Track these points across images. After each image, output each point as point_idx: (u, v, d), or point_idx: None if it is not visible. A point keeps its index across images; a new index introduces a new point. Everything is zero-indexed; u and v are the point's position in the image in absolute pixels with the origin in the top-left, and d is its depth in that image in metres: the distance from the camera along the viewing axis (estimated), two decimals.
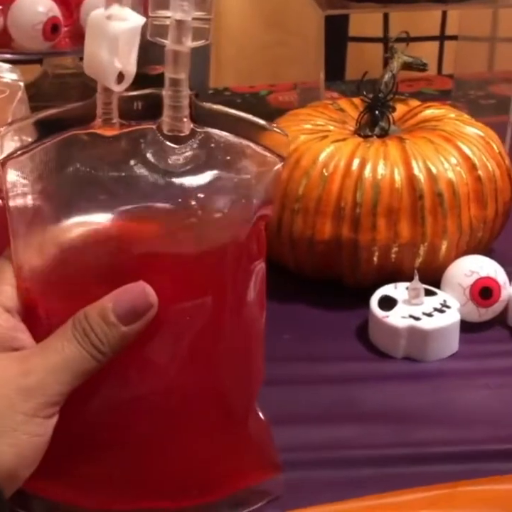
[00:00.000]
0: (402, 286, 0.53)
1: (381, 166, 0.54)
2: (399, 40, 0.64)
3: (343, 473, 0.43)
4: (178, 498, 0.39)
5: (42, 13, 0.63)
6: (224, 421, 0.39)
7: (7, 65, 0.52)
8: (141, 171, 0.35)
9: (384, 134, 0.58)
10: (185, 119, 0.36)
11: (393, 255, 0.54)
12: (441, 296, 0.53)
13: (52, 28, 0.63)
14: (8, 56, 0.66)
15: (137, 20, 0.35)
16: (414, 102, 0.63)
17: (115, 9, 0.34)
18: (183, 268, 0.36)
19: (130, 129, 0.36)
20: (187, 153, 0.36)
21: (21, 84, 0.51)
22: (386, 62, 0.62)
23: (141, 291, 0.34)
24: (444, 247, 0.54)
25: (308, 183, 0.55)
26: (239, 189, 0.36)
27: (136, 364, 0.36)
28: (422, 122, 0.59)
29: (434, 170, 0.53)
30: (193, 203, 0.35)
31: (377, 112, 0.58)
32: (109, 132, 0.36)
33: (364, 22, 1.19)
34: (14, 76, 0.52)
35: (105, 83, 0.35)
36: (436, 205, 0.53)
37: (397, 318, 0.51)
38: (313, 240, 0.55)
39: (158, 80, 0.81)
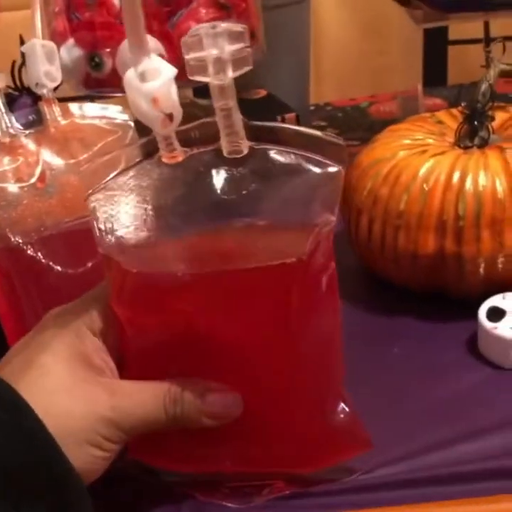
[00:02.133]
0: (510, 296, 0.53)
1: (482, 177, 0.54)
2: (496, 42, 0.64)
3: (461, 488, 0.43)
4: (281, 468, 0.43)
5: None
6: (318, 407, 0.42)
7: (118, 107, 0.56)
8: (207, 193, 0.38)
9: (484, 144, 0.58)
10: (241, 141, 0.37)
11: (500, 266, 0.54)
12: None
13: None
14: (118, 95, 0.70)
15: (169, 72, 0.36)
16: None
17: (146, 64, 0.35)
18: (260, 281, 0.38)
19: (191, 153, 0.38)
20: (247, 172, 0.37)
21: (132, 124, 0.55)
22: (488, 64, 0.62)
23: (237, 401, 0.39)
24: None
25: (409, 198, 0.55)
26: (301, 200, 0.38)
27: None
28: None
29: None
30: (260, 219, 0.37)
31: (475, 123, 0.58)
32: (173, 160, 0.38)
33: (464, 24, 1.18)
34: (125, 117, 0.56)
35: (152, 128, 0.37)
36: None
37: (506, 329, 0.51)
38: (417, 255, 0.55)
39: (259, 103, 0.83)
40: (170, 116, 0.37)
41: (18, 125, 0.52)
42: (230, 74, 0.35)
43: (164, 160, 0.38)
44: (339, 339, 0.43)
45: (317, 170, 0.38)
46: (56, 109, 0.53)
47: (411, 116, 0.67)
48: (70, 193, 0.50)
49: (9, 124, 0.52)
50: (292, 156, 0.38)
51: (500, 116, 0.61)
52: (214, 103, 0.37)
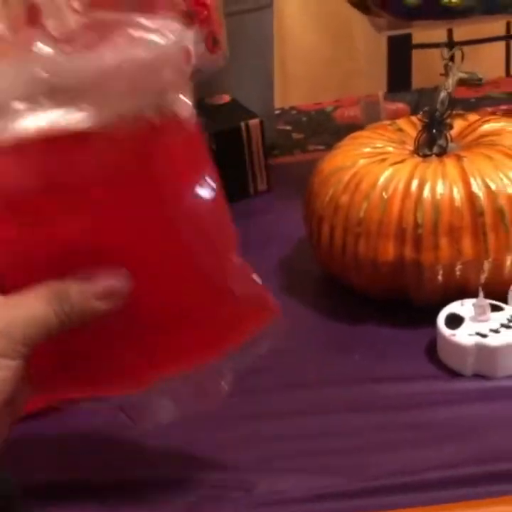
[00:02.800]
0: (468, 303, 0.54)
1: (440, 185, 0.55)
2: (454, 50, 0.64)
3: (420, 496, 0.44)
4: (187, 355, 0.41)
5: None
6: (204, 277, 0.41)
7: None
8: None
9: (443, 152, 0.59)
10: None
11: (458, 273, 0.55)
12: (508, 311, 0.53)
13: None
14: None
15: None
16: (473, 117, 0.63)
17: None
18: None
19: None
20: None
21: None
22: (447, 72, 0.63)
23: (123, 275, 0.37)
24: (508, 262, 0.55)
25: (369, 206, 0.56)
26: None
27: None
28: (481, 137, 0.60)
29: (493, 186, 0.54)
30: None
31: (434, 131, 0.59)
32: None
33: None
34: None
35: None
36: (498, 221, 0.54)
37: (464, 336, 0.52)
38: (377, 262, 0.56)
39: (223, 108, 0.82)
40: None
41: None
42: None
43: None
44: (224, 208, 0.43)
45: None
46: None
47: (373, 121, 0.68)
48: None
49: None
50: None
51: (458, 125, 0.62)
52: None
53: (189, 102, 0.41)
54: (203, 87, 0.90)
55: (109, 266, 0.37)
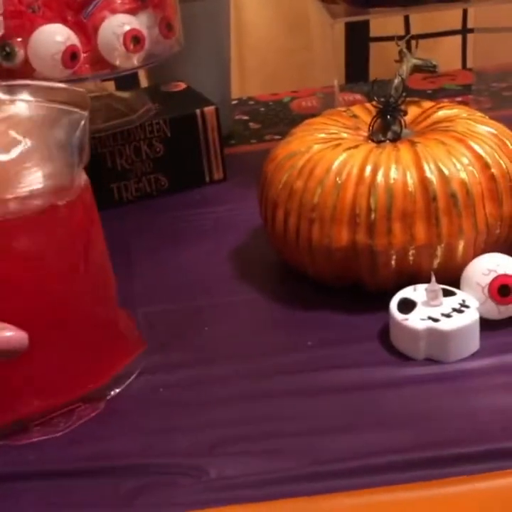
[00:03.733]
0: (421, 288, 0.54)
1: (393, 170, 0.55)
2: (407, 38, 0.64)
3: (368, 480, 0.43)
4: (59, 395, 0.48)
5: (60, 43, 0.65)
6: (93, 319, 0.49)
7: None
8: None
9: (397, 138, 0.59)
10: None
11: (411, 258, 0.55)
12: (460, 296, 0.53)
13: (71, 55, 0.65)
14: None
15: None
16: (427, 104, 0.63)
17: None
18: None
19: None
20: None
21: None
22: (401, 58, 0.63)
23: (22, 337, 0.42)
24: (461, 247, 0.55)
25: (323, 191, 0.56)
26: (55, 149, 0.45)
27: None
28: (435, 123, 0.60)
29: (446, 171, 0.54)
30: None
31: (388, 117, 0.59)
32: None
33: (385, 21, 1.19)
34: None
35: None
36: (451, 206, 0.54)
37: (416, 320, 0.52)
38: (331, 248, 0.56)
39: (178, 95, 0.82)
40: None
41: None
42: None
43: None
44: (108, 263, 0.52)
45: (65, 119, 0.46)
46: None
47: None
48: None
49: None
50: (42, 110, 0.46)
51: (413, 111, 0.62)
52: None
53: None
54: (158, 73, 0.89)
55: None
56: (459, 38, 1.20)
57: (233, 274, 0.64)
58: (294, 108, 1.00)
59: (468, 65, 1.18)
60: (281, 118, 0.97)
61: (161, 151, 0.76)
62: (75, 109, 0.47)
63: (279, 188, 0.59)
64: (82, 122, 0.47)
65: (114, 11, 0.69)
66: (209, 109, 0.77)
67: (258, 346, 0.55)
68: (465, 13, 1.17)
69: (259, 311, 0.60)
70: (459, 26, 1.19)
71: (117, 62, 0.69)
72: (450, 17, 1.16)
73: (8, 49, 0.67)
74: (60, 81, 0.68)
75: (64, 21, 0.68)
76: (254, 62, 1.17)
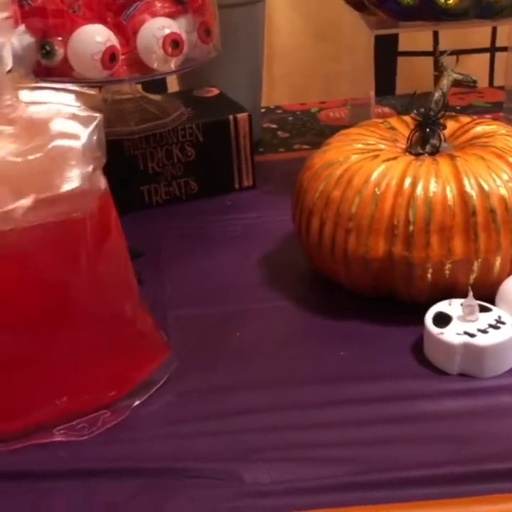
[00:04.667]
0: (456, 302, 0.54)
1: (433, 183, 0.54)
2: (447, 53, 0.64)
3: (401, 493, 0.43)
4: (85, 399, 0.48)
5: (100, 43, 0.65)
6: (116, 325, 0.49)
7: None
8: None
9: (435, 152, 0.59)
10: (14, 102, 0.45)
11: (447, 272, 0.55)
12: (495, 312, 0.53)
13: (110, 57, 0.66)
14: (69, 85, 0.68)
15: None
16: (465, 119, 0.63)
17: None
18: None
19: None
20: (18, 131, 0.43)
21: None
22: (436, 78, 0.63)
23: None
24: (498, 262, 0.55)
25: (361, 202, 0.55)
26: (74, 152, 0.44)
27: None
28: (473, 139, 0.60)
29: (485, 186, 0.54)
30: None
31: (428, 130, 0.59)
32: None
33: (414, 36, 1.20)
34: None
35: None
36: (489, 221, 0.54)
37: (452, 334, 0.51)
38: (367, 258, 0.55)
39: (211, 101, 0.82)
40: None
41: None
42: None
43: None
44: (129, 269, 0.51)
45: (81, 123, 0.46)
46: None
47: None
48: None
49: None
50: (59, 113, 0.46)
51: (451, 125, 0.61)
52: None
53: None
54: (189, 78, 0.90)
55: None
56: (486, 55, 1.20)
57: (264, 281, 0.64)
58: (322, 118, 1.00)
59: (496, 83, 1.18)
60: (309, 128, 0.97)
61: (193, 155, 0.76)
62: (92, 113, 0.47)
63: (315, 197, 0.59)
64: (97, 126, 0.46)
65: (154, 14, 0.69)
66: (242, 116, 0.77)
67: (290, 354, 0.55)
68: (494, 31, 1.17)
69: (291, 319, 0.59)
70: (487, 44, 1.19)
71: (155, 65, 0.69)
72: (479, 35, 1.16)
73: (48, 47, 0.67)
74: (98, 82, 0.69)
75: (104, 22, 0.68)
76: (281, 71, 1.17)
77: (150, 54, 0.68)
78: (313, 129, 0.97)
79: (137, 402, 0.50)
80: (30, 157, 0.42)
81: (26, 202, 0.41)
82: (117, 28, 0.68)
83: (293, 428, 0.48)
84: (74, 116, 0.45)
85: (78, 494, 0.44)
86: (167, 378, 0.52)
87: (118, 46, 0.67)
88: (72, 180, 0.43)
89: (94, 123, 0.45)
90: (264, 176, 0.82)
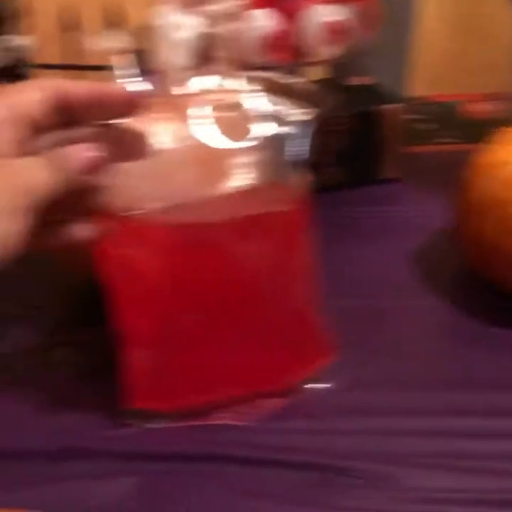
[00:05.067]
0: None
1: None
2: None
3: None
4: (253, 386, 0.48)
5: (266, 28, 0.66)
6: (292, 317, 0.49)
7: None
8: None
9: None
10: (228, 88, 0.45)
11: None
12: None
13: (275, 41, 0.66)
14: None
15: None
16: None
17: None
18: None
19: None
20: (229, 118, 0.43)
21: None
22: None
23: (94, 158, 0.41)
24: None
25: None
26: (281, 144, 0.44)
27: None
28: None
29: None
30: None
31: None
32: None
33: None
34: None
35: (170, 75, 0.44)
36: None
37: None
38: None
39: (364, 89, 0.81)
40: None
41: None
42: None
43: None
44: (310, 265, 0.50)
45: (292, 115, 0.45)
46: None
47: None
48: None
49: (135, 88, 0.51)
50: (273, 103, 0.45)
51: None
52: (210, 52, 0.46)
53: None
54: (339, 65, 0.89)
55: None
56: None
57: (416, 277, 0.63)
58: (464, 111, 0.98)
59: None
60: (451, 120, 0.95)
61: (343, 144, 0.76)
62: (303, 106, 0.46)
63: (479, 197, 0.57)
64: (309, 121, 0.46)
65: (318, 1, 0.69)
66: (396, 107, 0.76)
67: (444, 356, 0.54)
68: None
69: (445, 319, 0.58)
70: None
71: (318, 52, 0.69)
72: None
73: None
74: (258, 66, 0.69)
75: (270, 6, 0.68)
76: (424, 61, 1.14)
77: (313, 40, 0.68)
78: (457, 122, 0.94)
79: (300, 391, 0.50)
80: (236, 145, 0.43)
81: (230, 190, 0.42)
82: (282, 13, 0.69)
83: (452, 435, 0.47)
84: (284, 108, 0.45)
85: (233, 480, 0.45)
86: (326, 372, 0.52)
87: (283, 32, 0.68)
88: (275, 171, 0.44)
89: (305, 116, 0.45)
90: (407, 168, 0.81)
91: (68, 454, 0.46)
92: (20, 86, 0.41)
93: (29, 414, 0.50)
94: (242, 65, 0.68)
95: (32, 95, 0.40)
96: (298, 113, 0.46)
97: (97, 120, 0.42)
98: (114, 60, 0.46)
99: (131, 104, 0.42)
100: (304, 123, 0.46)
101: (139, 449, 0.46)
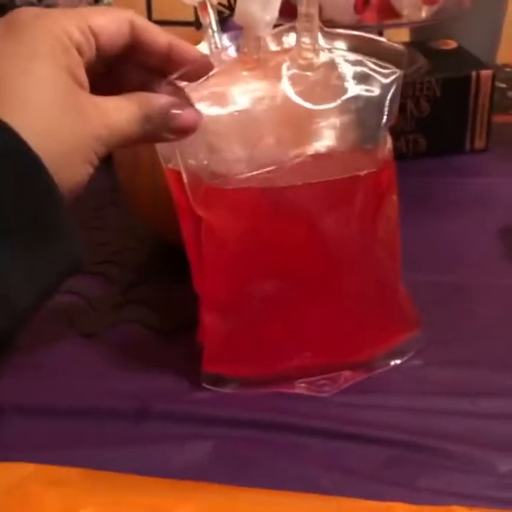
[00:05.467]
0: None
1: None
2: None
3: None
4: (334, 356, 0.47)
5: None
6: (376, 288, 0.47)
7: None
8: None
9: None
10: (316, 46, 0.42)
11: None
12: None
13: (363, 1, 0.63)
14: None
15: None
16: None
17: None
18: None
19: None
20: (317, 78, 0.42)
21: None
22: None
23: (197, 116, 0.40)
24: None
25: None
26: (368, 106, 0.42)
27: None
28: None
29: None
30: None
31: None
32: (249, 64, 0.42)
33: None
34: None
35: (256, 32, 0.42)
36: None
37: None
38: None
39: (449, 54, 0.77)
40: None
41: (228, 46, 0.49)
42: None
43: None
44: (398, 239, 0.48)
45: (379, 76, 0.43)
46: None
47: None
48: None
49: (219, 45, 0.49)
50: (359, 62, 0.43)
51: None
52: (298, 7, 0.42)
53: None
54: (426, 29, 0.85)
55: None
56: None
57: (501, 254, 0.60)
58: None
59: None
60: None
61: (427, 111, 0.73)
62: (391, 67, 0.43)
63: None
64: (396, 82, 0.43)
65: None
66: (486, 73, 0.72)
67: None
68: None
69: None
70: None
71: (405, 13, 0.65)
72: None
73: None
74: (345, 26, 0.66)
75: None
76: (509, 28, 1.09)
77: (403, 1, 0.65)
78: None
79: (383, 366, 0.48)
80: (325, 106, 0.41)
81: (318, 150, 0.40)
82: None
83: None
84: (371, 69, 0.43)
85: (308, 452, 0.43)
86: (408, 347, 0.50)
87: None
88: (362, 134, 0.41)
89: (393, 77, 0.43)
90: (494, 138, 0.77)
91: (147, 415, 0.46)
92: (102, 9, 0.39)
93: (102, 372, 0.49)
94: (332, 24, 0.65)
95: (111, 23, 0.38)
96: (386, 74, 0.43)
97: (163, 72, 0.40)
98: (201, 15, 0.45)
99: (204, 68, 0.41)
100: (390, 85, 0.43)
101: (215, 414, 0.45)
